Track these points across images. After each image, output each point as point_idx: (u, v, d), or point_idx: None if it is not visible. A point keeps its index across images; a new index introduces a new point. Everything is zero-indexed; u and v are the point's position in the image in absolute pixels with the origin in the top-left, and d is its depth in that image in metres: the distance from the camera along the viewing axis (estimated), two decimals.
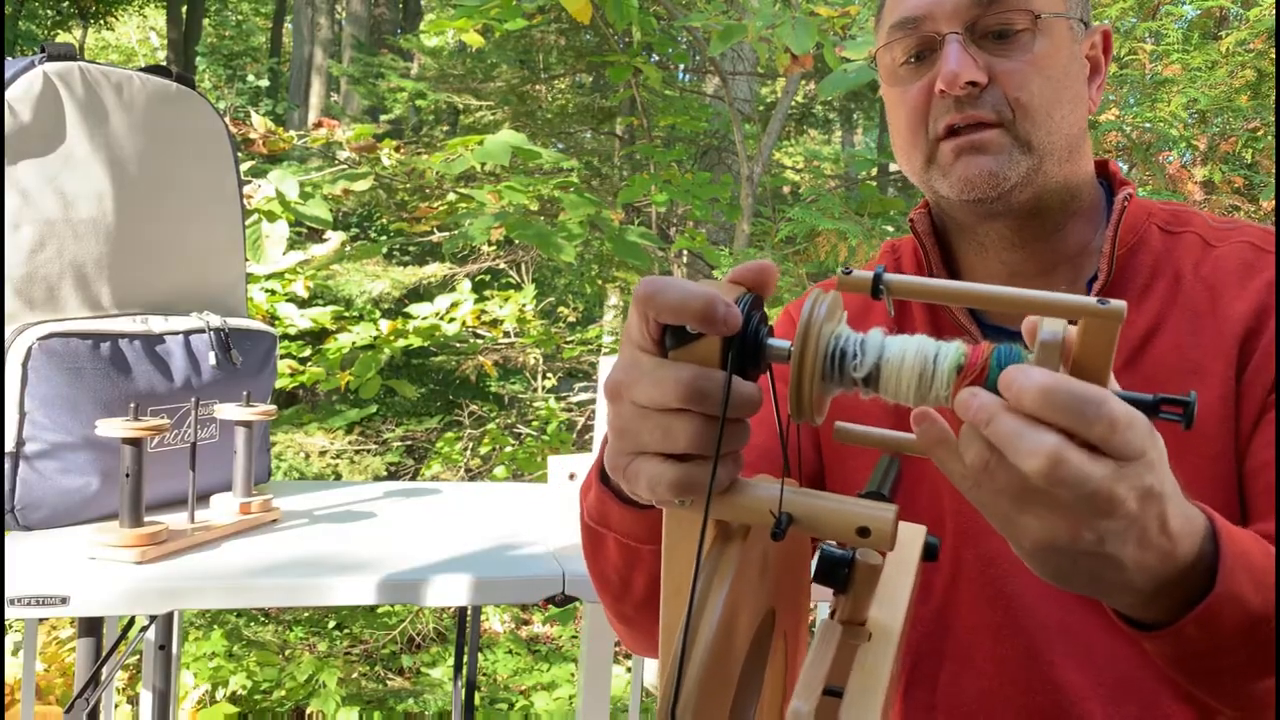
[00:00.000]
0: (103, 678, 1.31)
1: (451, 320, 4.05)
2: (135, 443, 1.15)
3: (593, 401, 4.72)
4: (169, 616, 1.63)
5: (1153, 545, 0.51)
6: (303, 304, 3.92)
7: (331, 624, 4.39)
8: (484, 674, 4.10)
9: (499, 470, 4.81)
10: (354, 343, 3.91)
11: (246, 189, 2.88)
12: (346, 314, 4.18)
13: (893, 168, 5.49)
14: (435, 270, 5.48)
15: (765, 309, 0.50)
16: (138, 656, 2.33)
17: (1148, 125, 2.84)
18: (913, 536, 0.57)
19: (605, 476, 0.72)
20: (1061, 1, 0.81)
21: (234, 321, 1.50)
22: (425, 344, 4.17)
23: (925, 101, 0.81)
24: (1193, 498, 0.74)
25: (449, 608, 3.55)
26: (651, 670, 4.00)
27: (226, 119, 1.71)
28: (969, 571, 0.81)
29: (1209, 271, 0.80)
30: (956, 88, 0.78)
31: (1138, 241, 0.83)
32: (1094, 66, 0.86)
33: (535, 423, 5.34)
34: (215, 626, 3.83)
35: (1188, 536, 0.54)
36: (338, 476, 5.39)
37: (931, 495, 0.83)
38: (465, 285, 4.26)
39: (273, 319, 3.63)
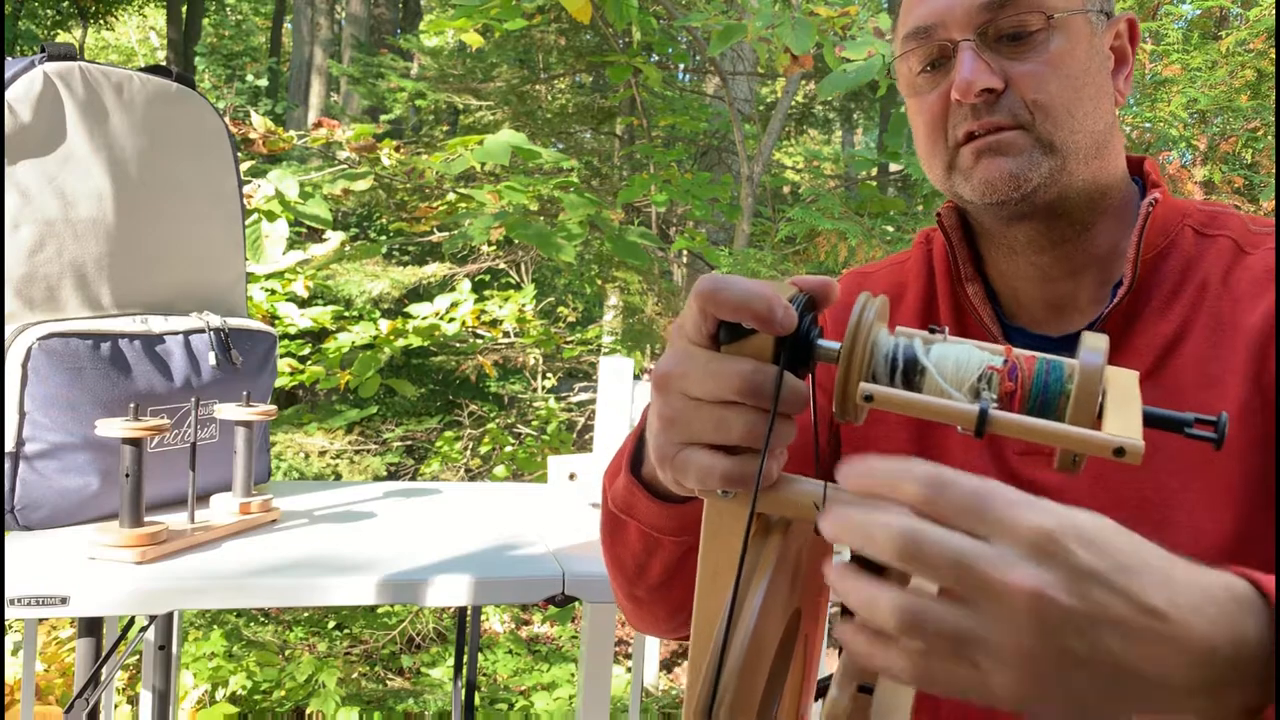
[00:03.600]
0: (103, 678, 1.31)
1: (451, 320, 4.05)
2: (135, 443, 1.15)
3: (593, 401, 4.72)
4: (169, 616, 1.63)
5: (1132, 629, 0.42)
6: (303, 304, 3.92)
7: (331, 624, 4.39)
8: (484, 674, 4.10)
9: (499, 470, 4.81)
10: (354, 342, 3.91)
11: (246, 189, 2.89)
12: (346, 314, 4.18)
13: (893, 168, 5.49)
14: (435, 270, 5.48)
15: (820, 313, 0.52)
16: (138, 656, 2.33)
17: (1148, 125, 2.84)
18: None
19: (633, 466, 0.72)
20: None
21: (234, 321, 1.50)
22: (425, 344, 4.17)
23: (943, 110, 0.80)
24: (1209, 519, 0.73)
25: (449, 608, 3.55)
26: (651, 671, 4.00)
27: (226, 119, 1.72)
28: None
29: (1237, 280, 0.78)
30: (971, 96, 0.76)
31: (1169, 245, 0.81)
32: (1120, 57, 0.84)
33: (535, 423, 5.34)
34: (215, 626, 3.83)
35: (1203, 612, 0.44)
36: (338, 476, 5.39)
37: None
38: (465, 285, 4.27)
39: (273, 319, 3.63)
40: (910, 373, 0.47)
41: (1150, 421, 0.46)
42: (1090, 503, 0.75)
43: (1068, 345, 0.81)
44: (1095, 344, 0.45)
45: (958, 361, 0.47)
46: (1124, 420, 0.45)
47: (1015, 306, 0.85)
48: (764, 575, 0.46)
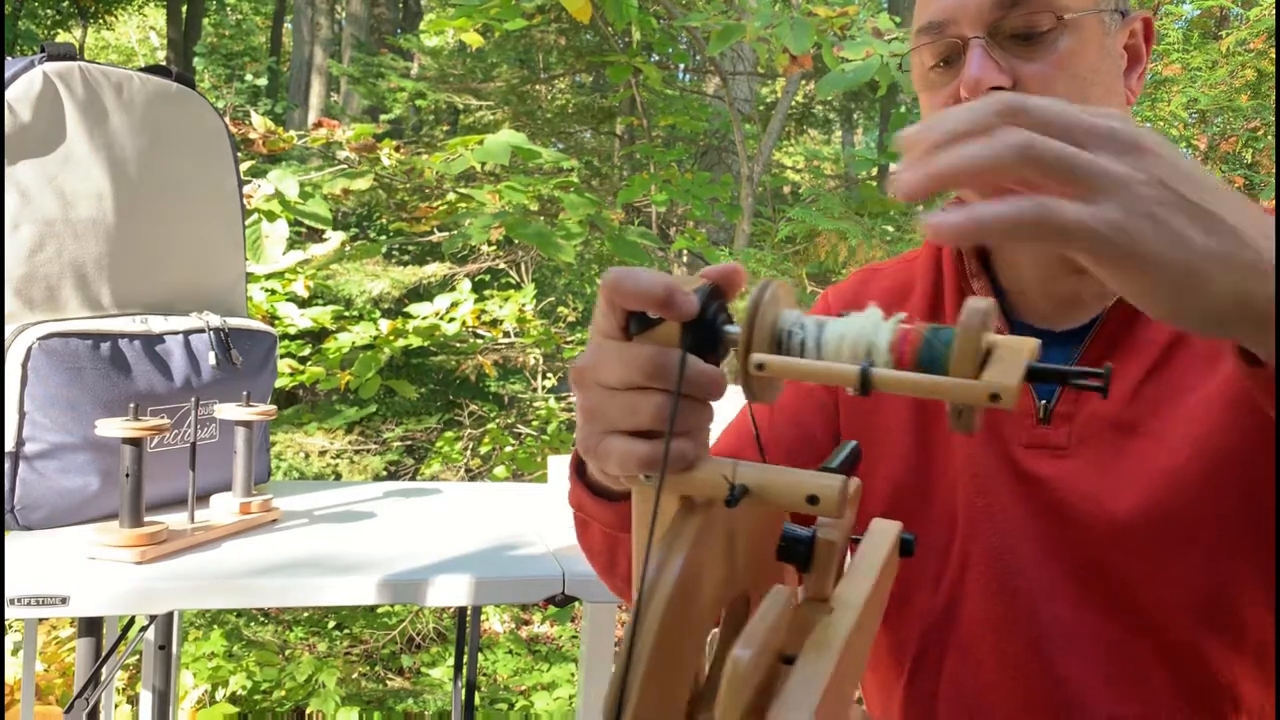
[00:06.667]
0: (103, 678, 1.31)
1: (451, 320, 4.05)
2: (135, 443, 1.15)
3: None
4: (169, 616, 1.63)
5: (1207, 186, 0.48)
6: (303, 304, 3.92)
7: (331, 624, 4.39)
8: (484, 674, 4.10)
9: (499, 470, 4.80)
10: (354, 342, 3.91)
11: (246, 189, 2.88)
12: (346, 314, 4.18)
13: (893, 168, 5.49)
14: (435, 270, 5.48)
15: (728, 302, 0.53)
16: (138, 656, 2.33)
17: (1148, 125, 2.84)
18: (888, 529, 0.59)
19: (581, 470, 0.74)
20: None
21: (234, 321, 1.50)
22: (425, 344, 4.17)
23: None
24: (1220, 514, 0.74)
25: (449, 608, 3.55)
26: None
27: (226, 119, 1.72)
28: (977, 565, 0.81)
29: None
30: (978, 94, 0.77)
31: None
32: (1133, 56, 0.84)
33: (535, 423, 5.34)
34: (215, 626, 3.83)
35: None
36: (338, 476, 5.39)
37: (947, 490, 0.84)
38: (465, 285, 4.26)
39: (273, 319, 3.63)
40: (807, 346, 0.49)
41: (1035, 375, 0.47)
42: (1094, 490, 0.76)
43: (1073, 340, 0.82)
44: (976, 305, 0.47)
45: (850, 332, 0.48)
46: (1003, 371, 0.46)
47: (1021, 302, 0.86)
48: (681, 550, 0.46)
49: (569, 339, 5.16)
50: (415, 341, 4.01)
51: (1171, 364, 0.78)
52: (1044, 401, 0.81)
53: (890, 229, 3.35)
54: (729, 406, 1.03)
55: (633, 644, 0.44)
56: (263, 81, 12.37)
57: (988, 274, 0.87)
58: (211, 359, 1.43)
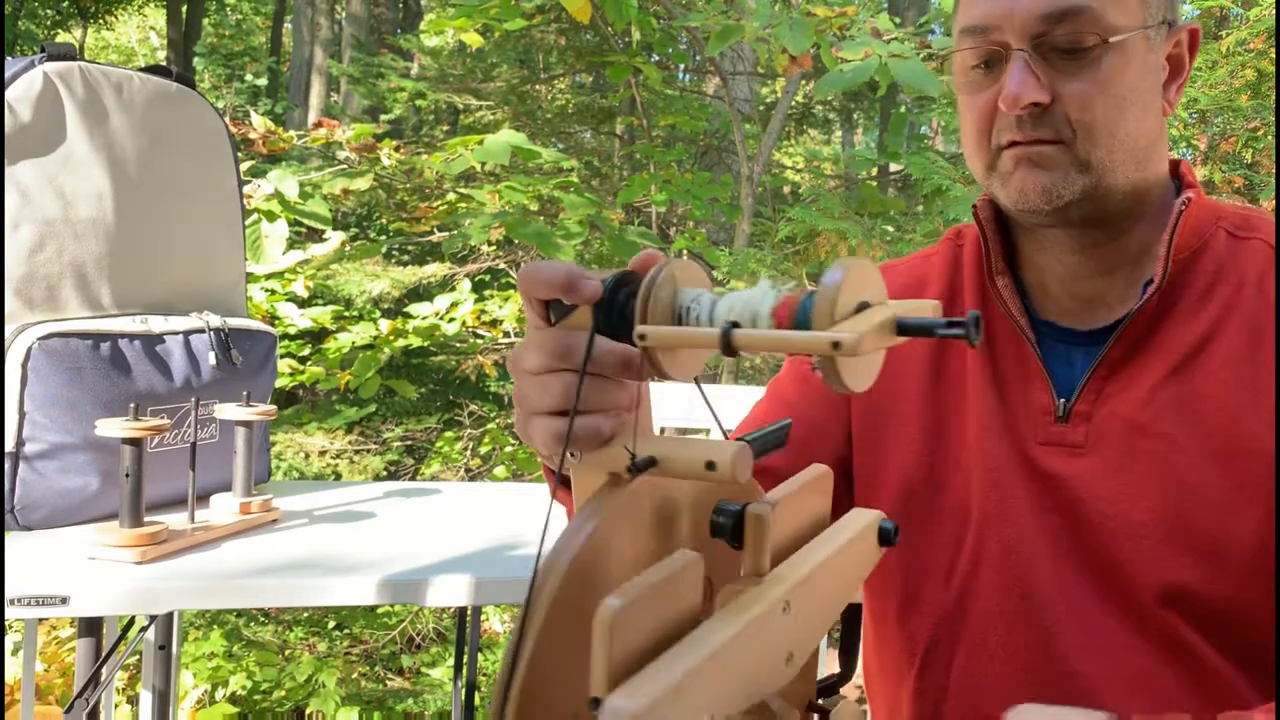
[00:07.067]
0: (103, 678, 1.31)
1: (451, 320, 4.05)
2: (135, 443, 1.15)
3: None
4: (169, 616, 1.63)
5: None
6: (303, 304, 3.92)
7: (331, 624, 4.38)
8: (484, 674, 4.10)
9: (499, 470, 4.80)
10: (354, 342, 3.91)
11: (246, 189, 2.88)
12: (346, 314, 4.18)
13: (893, 168, 5.49)
14: (435, 270, 5.47)
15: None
16: (138, 656, 2.33)
17: None
18: (862, 516, 0.59)
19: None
20: (1139, 10, 0.78)
21: (234, 321, 1.50)
22: (425, 344, 4.16)
23: (991, 112, 0.80)
24: (1236, 515, 0.74)
25: (449, 608, 3.55)
26: None
27: (226, 119, 1.72)
28: (990, 559, 0.82)
29: (1272, 284, 0.78)
30: (1017, 109, 0.77)
31: (1202, 245, 0.81)
32: (1175, 67, 0.84)
33: None
34: (215, 626, 3.83)
35: None
36: (338, 476, 5.38)
37: (960, 484, 0.84)
38: (465, 285, 4.26)
39: (273, 319, 3.63)
40: (701, 318, 0.51)
41: (903, 329, 0.48)
42: (1110, 490, 0.76)
43: (1096, 339, 0.82)
44: (842, 263, 0.48)
45: (739, 302, 0.50)
46: (854, 323, 0.47)
47: (1045, 300, 0.86)
48: (585, 529, 0.46)
49: None
50: (415, 341, 4.01)
51: (1192, 369, 0.78)
52: (1063, 400, 0.81)
53: (890, 229, 3.35)
54: (738, 405, 1.03)
55: (524, 622, 0.43)
56: (263, 81, 12.36)
57: (1012, 271, 0.87)
58: (211, 359, 1.43)
